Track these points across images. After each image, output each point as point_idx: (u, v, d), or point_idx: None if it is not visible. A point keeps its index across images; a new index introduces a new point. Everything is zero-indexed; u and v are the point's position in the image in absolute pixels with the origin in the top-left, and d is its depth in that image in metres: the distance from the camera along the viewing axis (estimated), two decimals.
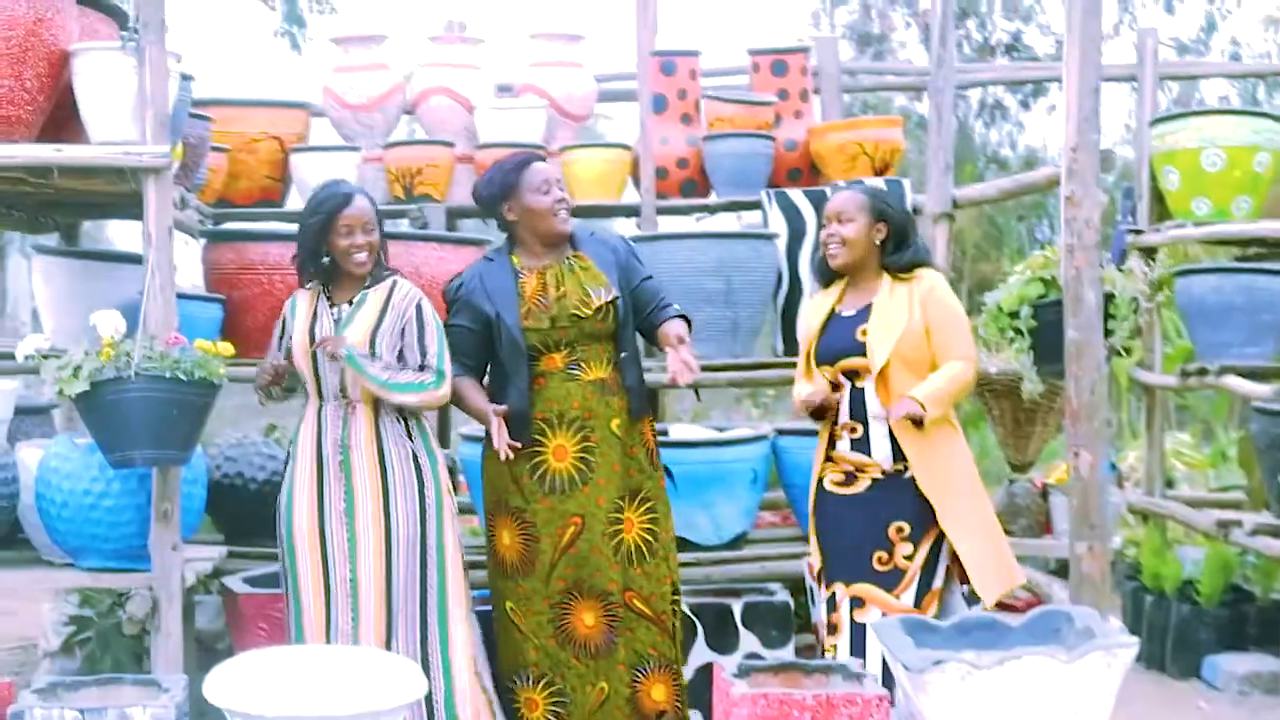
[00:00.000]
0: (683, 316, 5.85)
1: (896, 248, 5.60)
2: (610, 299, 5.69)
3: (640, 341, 5.92)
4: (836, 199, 5.67)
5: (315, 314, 5.65)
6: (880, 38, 20.10)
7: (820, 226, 5.74)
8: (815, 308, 5.72)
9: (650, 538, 5.77)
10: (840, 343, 5.55)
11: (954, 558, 5.54)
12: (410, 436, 5.69)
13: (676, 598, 5.86)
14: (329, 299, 5.69)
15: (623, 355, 5.76)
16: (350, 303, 5.67)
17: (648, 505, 5.79)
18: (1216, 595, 7.69)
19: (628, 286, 5.78)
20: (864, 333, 5.50)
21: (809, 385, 5.61)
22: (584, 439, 5.68)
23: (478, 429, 7.28)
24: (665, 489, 5.90)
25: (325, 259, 5.66)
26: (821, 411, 5.55)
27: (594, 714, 5.72)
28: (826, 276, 5.76)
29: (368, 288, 5.69)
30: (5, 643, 8.50)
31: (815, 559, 5.72)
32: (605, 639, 5.70)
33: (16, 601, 9.02)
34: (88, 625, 7.28)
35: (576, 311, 5.66)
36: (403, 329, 5.67)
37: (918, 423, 5.37)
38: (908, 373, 5.45)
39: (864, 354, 5.49)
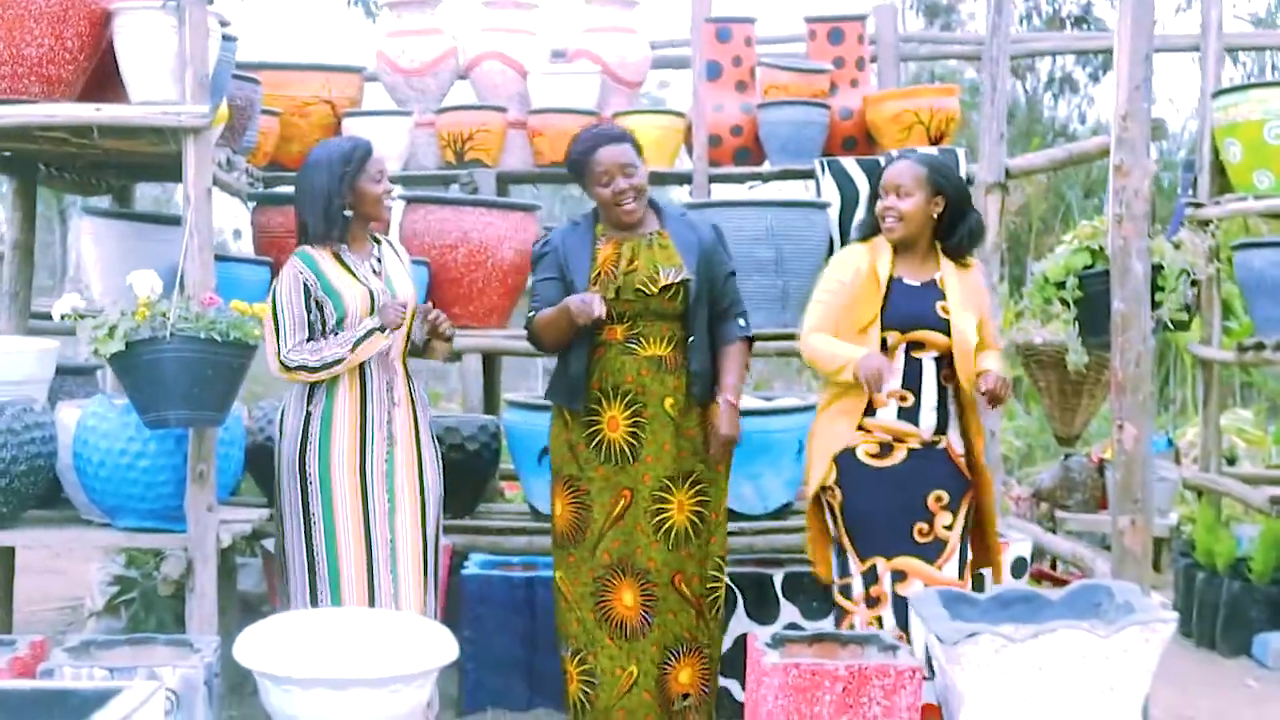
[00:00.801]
0: (748, 336, 5.80)
1: (952, 222, 5.56)
2: (679, 280, 5.64)
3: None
4: (895, 170, 5.57)
5: (350, 269, 5.62)
6: (949, 8, 20.00)
7: (874, 196, 5.65)
8: (867, 269, 5.58)
9: (698, 520, 5.72)
10: (918, 312, 5.47)
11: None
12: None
13: (717, 581, 5.80)
14: (354, 254, 5.68)
15: (690, 340, 5.71)
16: (378, 259, 5.68)
17: (699, 488, 5.72)
18: (1269, 573, 7.59)
19: (706, 273, 5.72)
20: (945, 309, 5.45)
21: (843, 345, 5.50)
22: (636, 414, 5.64)
23: (523, 397, 7.28)
24: (723, 473, 5.82)
25: (347, 212, 5.66)
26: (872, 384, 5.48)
27: (621, 697, 5.68)
28: (867, 236, 5.67)
29: (375, 241, 5.72)
30: (54, 602, 8.58)
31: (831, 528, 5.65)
32: (641, 621, 5.65)
33: (66, 562, 9.11)
34: (132, 586, 7.32)
35: (642, 287, 5.61)
36: None
37: (996, 400, 5.46)
38: (969, 354, 5.46)
39: (942, 329, 5.44)
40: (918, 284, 5.53)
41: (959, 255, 5.57)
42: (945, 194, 5.51)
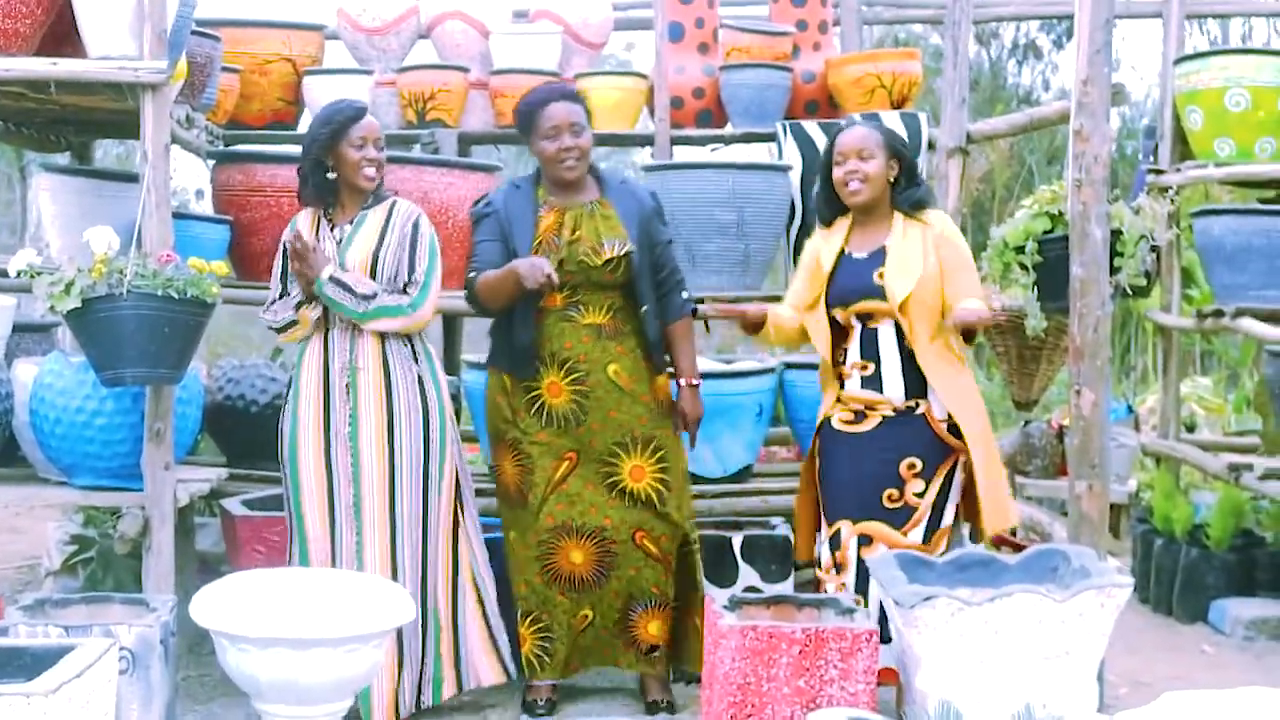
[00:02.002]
0: (692, 309, 5.86)
1: (907, 185, 5.61)
2: (623, 252, 5.65)
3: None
4: (853, 136, 5.61)
5: (318, 237, 5.63)
6: None
7: (826, 174, 5.68)
8: (823, 249, 5.67)
9: (663, 487, 5.73)
10: (856, 285, 5.52)
11: (964, 495, 5.52)
12: (416, 359, 5.69)
13: (691, 543, 5.82)
14: (329, 221, 5.67)
15: (644, 309, 5.72)
16: (351, 223, 5.64)
17: (660, 454, 5.74)
18: (1226, 539, 7.61)
19: (647, 242, 5.73)
20: (881, 275, 5.47)
21: (789, 312, 5.66)
22: (578, 380, 5.67)
23: (483, 356, 7.26)
24: (680, 438, 5.86)
25: (330, 175, 5.63)
26: (752, 327, 5.63)
27: (578, 638, 5.74)
28: (830, 215, 5.72)
29: (367, 208, 5.67)
30: (12, 561, 8.54)
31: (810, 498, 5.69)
32: (594, 574, 5.70)
33: (26, 521, 9.07)
34: (89, 545, 7.28)
35: (586, 259, 5.63)
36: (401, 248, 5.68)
37: (969, 335, 5.55)
38: (925, 314, 5.44)
39: (882, 297, 5.47)
40: (864, 255, 5.59)
41: (918, 208, 5.61)
42: (901, 158, 5.62)
